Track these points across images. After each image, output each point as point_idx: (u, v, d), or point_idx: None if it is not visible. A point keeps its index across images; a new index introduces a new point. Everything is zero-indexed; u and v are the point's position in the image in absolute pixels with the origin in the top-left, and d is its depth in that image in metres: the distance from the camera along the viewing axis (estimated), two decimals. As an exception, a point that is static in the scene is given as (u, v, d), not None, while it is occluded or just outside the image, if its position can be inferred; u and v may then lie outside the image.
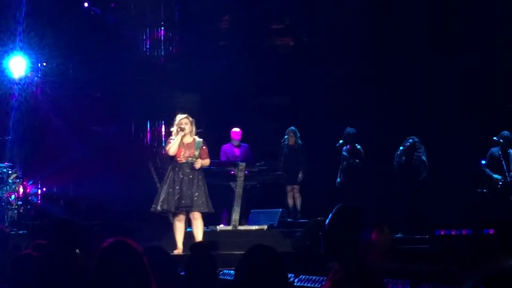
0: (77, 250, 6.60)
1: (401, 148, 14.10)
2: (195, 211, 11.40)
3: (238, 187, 13.47)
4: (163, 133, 19.04)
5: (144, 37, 19.39)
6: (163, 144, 17.20)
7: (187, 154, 11.35)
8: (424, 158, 14.03)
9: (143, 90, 18.34)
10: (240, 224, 13.61)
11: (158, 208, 11.43)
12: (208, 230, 12.44)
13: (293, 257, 11.11)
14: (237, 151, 15.28)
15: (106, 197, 17.14)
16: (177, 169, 11.37)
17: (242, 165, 13.61)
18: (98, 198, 16.48)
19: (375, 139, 15.49)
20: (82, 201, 15.82)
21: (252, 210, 14.91)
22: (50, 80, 17.26)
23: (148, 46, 19.60)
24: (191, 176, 11.35)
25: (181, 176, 11.32)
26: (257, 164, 14.29)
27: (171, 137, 11.51)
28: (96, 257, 3.47)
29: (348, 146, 15.12)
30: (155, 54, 19.66)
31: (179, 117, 11.47)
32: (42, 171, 16.96)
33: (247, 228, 13.77)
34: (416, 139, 14.05)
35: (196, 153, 11.38)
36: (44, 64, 17.38)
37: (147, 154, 15.82)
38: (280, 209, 15.13)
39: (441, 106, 15.70)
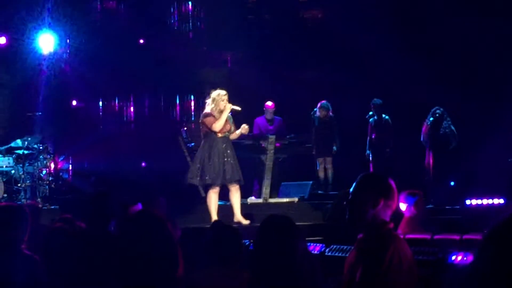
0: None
1: (431, 119, 13.96)
2: (241, 183, 11.61)
3: (269, 160, 13.46)
4: (192, 107, 19.05)
5: (172, 12, 19.36)
6: (193, 119, 17.22)
7: (225, 129, 11.43)
8: (453, 127, 13.94)
9: (171, 65, 18.33)
10: (271, 196, 13.64)
11: (207, 178, 11.40)
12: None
13: (324, 228, 11.15)
14: (270, 125, 15.25)
15: (136, 171, 17.21)
16: (217, 143, 11.42)
17: (272, 138, 13.60)
18: (128, 172, 16.54)
19: (405, 110, 15.38)
20: (113, 176, 15.86)
21: (282, 183, 14.89)
22: (79, 56, 17.31)
23: (176, 21, 19.57)
24: (229, 151, 11.50)
25: (222, 150, 11.41)
26: (287, 136, 14.25)
27: (206, 111, 11.47)
28: (121, 228, 3.47)
29: (375, 117, 15.09)
30: (183, 28, 19.63)
31: (220, 92, 11.45)
32: (72, 146, 17.04)
33: (277, 200, 13.78)
34: (439, 111, 13.92)
35: (232, 128, 11.53)
36: (72, 40, 17.41)
37: (177, 128, 15.79)
38: (311, 182, 15.08)
39: (471, 75, 15.57)
